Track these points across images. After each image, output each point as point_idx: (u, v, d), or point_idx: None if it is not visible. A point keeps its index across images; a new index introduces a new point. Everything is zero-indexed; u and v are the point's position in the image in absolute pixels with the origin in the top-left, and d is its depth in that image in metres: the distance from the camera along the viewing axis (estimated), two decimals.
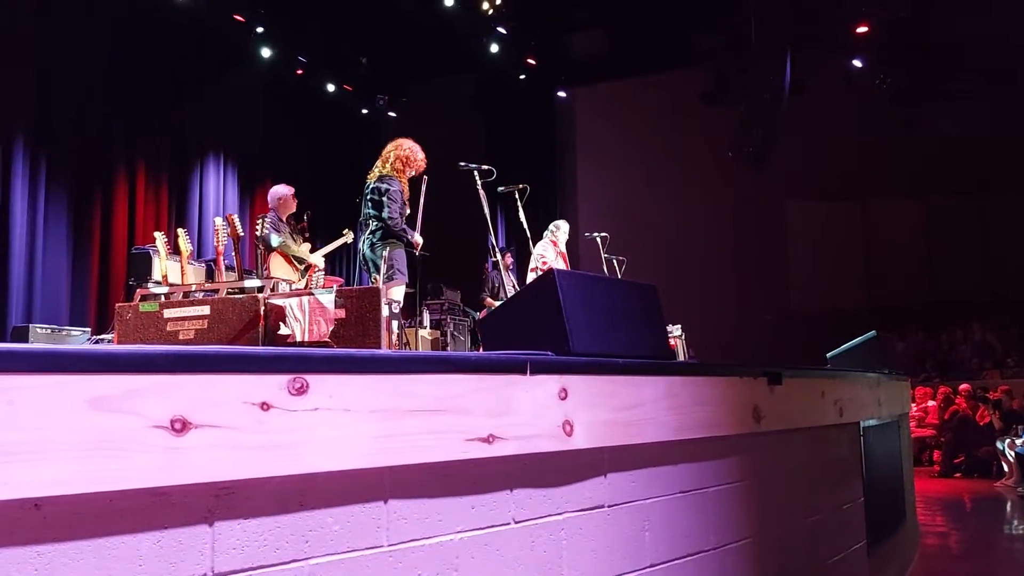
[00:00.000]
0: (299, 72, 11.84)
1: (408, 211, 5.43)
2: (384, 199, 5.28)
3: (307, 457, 1.38)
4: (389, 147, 5.50)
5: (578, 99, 14.13)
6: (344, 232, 6.93)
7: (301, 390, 1.38)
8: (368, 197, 5.39)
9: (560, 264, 7.56)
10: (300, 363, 1.39)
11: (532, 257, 7.20)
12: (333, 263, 12.42)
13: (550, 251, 7.59)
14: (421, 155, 5.47)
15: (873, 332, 4.70)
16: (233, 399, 1.30)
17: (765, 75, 11.47)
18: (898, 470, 4.57)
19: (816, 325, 11.37)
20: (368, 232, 5.36)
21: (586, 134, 14.19)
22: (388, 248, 5.21)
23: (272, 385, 1.34)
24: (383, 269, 5.14)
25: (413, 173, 5.46)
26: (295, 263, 6.09)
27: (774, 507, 2.67)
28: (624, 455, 2.03)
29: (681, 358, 8.60)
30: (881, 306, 12.98)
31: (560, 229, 7.80)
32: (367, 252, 5.34)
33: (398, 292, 5.09)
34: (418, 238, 5.32)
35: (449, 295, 9.61)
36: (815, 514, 3.00)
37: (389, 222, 5.22)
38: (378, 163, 5.49)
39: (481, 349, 2.64)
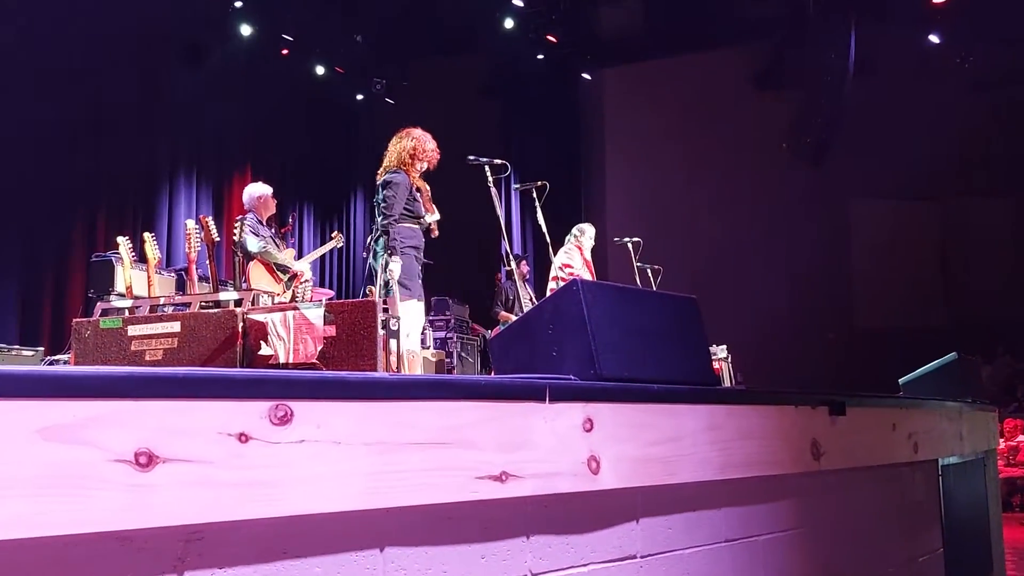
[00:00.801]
0: (284, 52, 11.94)
1: (426, 211, 5.47)
2: (382, 194, 5.33)
3: (291, 497, 1.38)
4: (393, 139, 5.57)
5: (607, 82, 14.14)
6: (333, 236, 6.98)
7: (284, 419, 1.39)
8: (374, 202, 5.46)
9: (586, 274, 7.56)
10: (283, 388, 1.39)
11: (553, 266, 7.21)
12: (323, 272, 12.49)
13: (575, 258, 7.60)
14: (431, 144, 5.52)
15: (954, 354, 4.66)
16: (206, 429, 1.31)
17: (826, 54, 11.45)
18: (983, 516, 4.52)
19: (886, 345, 11.28)
20: (372, 240, 5.42)
21: (616, 123, 14.19)
22: (390, 256, 5.25)
23: (251, 413, 1.35)
24: (379, 280, 5.17)
25: (426, 166, 5.51)
26: (277, 272, 6.13)
27: (836, 559, 2.65)
28: (659, 497, 2.03)
29: (727, 384, 8.57)
30: (964, 323, 12.84)
31: (585, 234, 7.82)
32: (371, 262, 5.41)
33: (409, 309, 5.11)
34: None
35: (456, 310, 9.65)
36: (885, 567, 2.97)
37: (380, 217, 5.26)
38: (384, 160, 5.56)
39: (492, 372, 2.64)
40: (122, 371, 1.26)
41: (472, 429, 1.65)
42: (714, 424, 2.18)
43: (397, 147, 5.50)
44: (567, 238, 7.89)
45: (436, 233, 5.59)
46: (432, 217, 5.56)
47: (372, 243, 5.42)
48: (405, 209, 5.34)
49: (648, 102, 13.69)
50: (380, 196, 5.36)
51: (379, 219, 5.31)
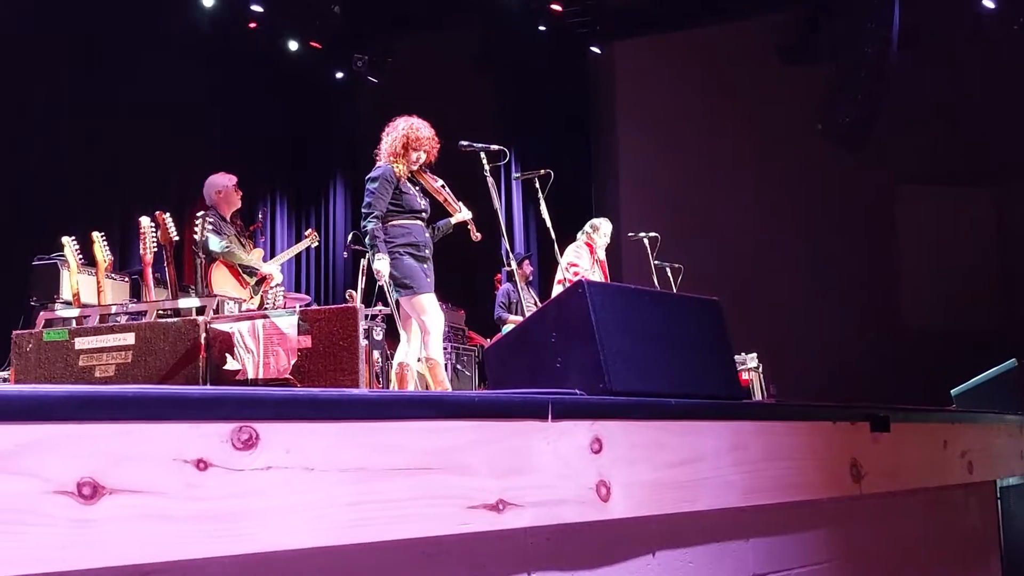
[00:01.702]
0: (252, 26, 11.94)
1: (424, 205, 5.49)
2: (365, 191, 5.39)
3: (257, 532, 1.38)
4: (386, 129, 5.62)
5: (618, 57, 14.14)
6: (307, 233, 6.99)
7: (249, 443, 1.39)
8: None
9: (597, 275, 7.57)
10: (247, 408, 1.39)
11: (559, 266, 7.21)
12: (297, 275, 12.50)
13: (584, 257, 7.60)
14: (427, 131, 5.57)
15: (1013, 361, 4.65)
16: (160, 456, 1.30)
17: (865, 22, 11.45)
18: None
19: (936, 351, 11.27)
20: (362, 239, 5.49)
21: (629, 104, 14.18)
22: (387, 258, 5.29)
23: (211, 437, 1.35)
24: (361, 284, 5.21)
25: (424, 157, 5.54)
26: (243, 276, 6.14)
27: None
28: (678, 527, 2.02)
29: (757, 397, 8.58)
30: None
31: (599, 230, 7.82)
32: (371, 266, 5.49)
33: (423, 306, 5.23)
34: (378, 265, 5.24)
35: (450, 316, 9.62)
36: None
37: (364, 218, 5.32)
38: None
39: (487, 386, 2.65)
40: (62, 391, 1.26)
41: (464, 452, 1.65)
42: (740, 443, 2.17)
43: (388, 137, 5.55)
44: (578, 235, 7.89)
45: (478, 235, 5.60)
46: (460, 216, 5.58)
47: (367, 248, 5.49)
48: (392, 205, 5.37)
49: (665, 79, 13.67)
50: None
51: (363, 219, 5.37)
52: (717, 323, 2.59)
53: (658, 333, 2.34)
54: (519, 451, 1.74)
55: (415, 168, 5.55)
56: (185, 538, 1.31)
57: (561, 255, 7.04)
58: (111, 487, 1.25)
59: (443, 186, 5.66)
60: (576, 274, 7.23)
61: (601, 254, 7.81)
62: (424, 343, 5.37)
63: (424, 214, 5.53)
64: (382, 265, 5.24)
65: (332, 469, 1.47)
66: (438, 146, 5.61)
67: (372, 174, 5.46)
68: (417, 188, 5.56)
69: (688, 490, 2.03)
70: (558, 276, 7.40)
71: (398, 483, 1.55)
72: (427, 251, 5.46)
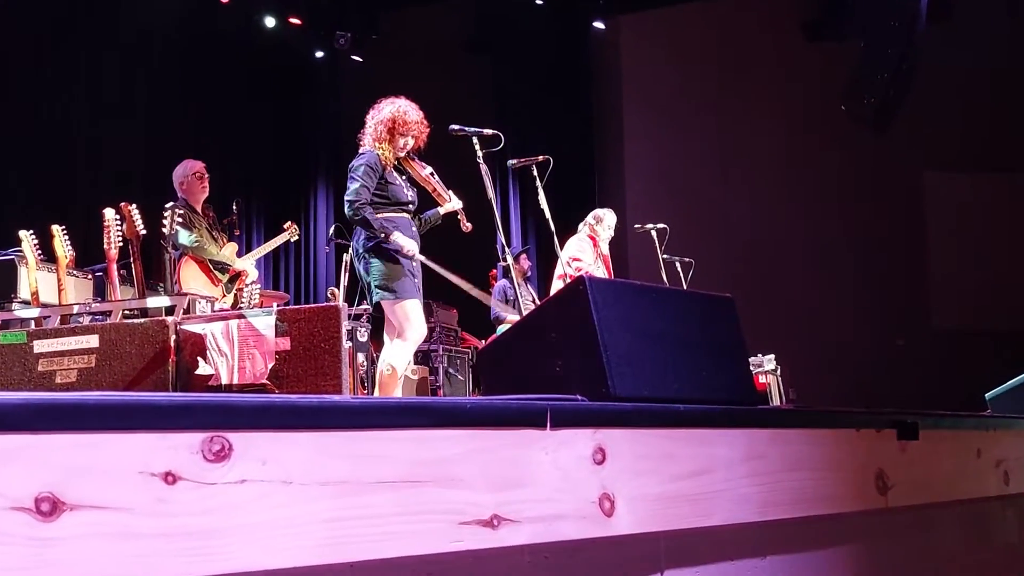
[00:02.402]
0: (224, 2, 11.93)
1: (412, 197, 5.50)
2: (348, 178, 5.38)
3: (231, 551, 1.38)
4: (370, 111, 5.62)
5: (624, 32, 14.13)
6: (286, 226, 6.99)
7: (221, 455, 1.39)
8: None
9: (600, 270, 7.58)
10: (219, 416, 1.40)
11: (560, 260, 7.21)
12: (275, 272, 12.49)
13: (587, 251, 7.61)
14: (415, 114, 5.56)
15: None
16: (124, 469, 1.31)
17: None
18: None
19: (970, 352, 11.29)
20: (346, 234, 5.48)
21: (635, 83, 14.16)
22: (371, 259, 5.28)
23: (180, 448, 1.35)
24: (344, 281, 5.21)
25: (411, 143, 5.54)
26: (215, 272, 6.14)
27: None
28: (689, 543, 2.03)
29: (776, 402, 8.58)
30: None
31: (603, 222, 7.82)
32: (354, 263, 5.51)
33: (401, 313, 5.20)
34: (402, 241, 5.34)
35: (441, 316, 9.65)
36: None
37: (347, 209, 5.29)
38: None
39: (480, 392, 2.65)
40: (18, 398, 1.26)
41: (456, 463, 1.66)
42: (756, 453, 2.18)
43: (372, 121, 5.53)
44: (580, 227, 7.89)
45: (468, 226, 5.61)
46: (450, 206, 5.58)
47: (354, 242, 5.47)
48: (377, 196, 5.35)
49: (675, 57, 13.63)
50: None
51: (346, 210, 5.34)
52: (731, 322, 2.60)
53: (666, 333, 2.34)
54: (515, 462, 1.74)
55: (402, 155, 5.54)
56: (152, 558, 1.31)
57: (561, 249, 7.04)
58: (72, 503, 1.25)
59: (432, 174, 5.65)
60: (579, 269, 7.23)
61: (605, 248, 7.81)
62: (392, 345, 5.29)
63: (411, 206, 5.52)
64: (406, 241, 5.29)
65: (312, 482, 1.47)
66: (427, 131, 5.60)
67: (355, 161, 5.44)
68: (404, 178, 5.55)
69: (699, 504, 2.03)
70: (558, 271, 7.40)
71: (384, 497, 1.55)
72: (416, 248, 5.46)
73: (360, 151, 5.52)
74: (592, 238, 7.73)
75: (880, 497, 2.52)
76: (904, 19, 11.41)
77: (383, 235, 5.26)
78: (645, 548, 1.95)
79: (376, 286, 5.27)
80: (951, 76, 12.25)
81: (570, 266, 7.29)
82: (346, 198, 5.35)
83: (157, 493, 1.32)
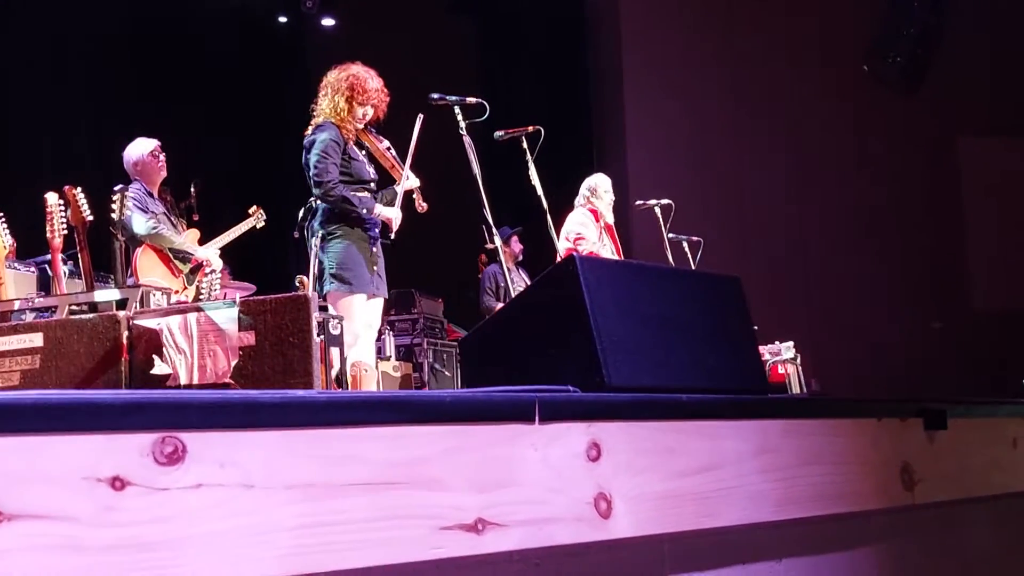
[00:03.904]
0: None
1: (374, 174, 5.51)
2: (307, 159, 5.34)
3: (185, 563, 1.38)
4: (324, 80, 5.57)
5: None
6: (251, 211, 6.97)
7: (174, 457, 1.39)
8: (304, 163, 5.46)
9: (607, 245, 7.49)
10: (171, 415, 1.40)
11: (560, 237, 7.12)
12: (240, 260, 12.45)
13: (590, 226, 7.50)
14: (375, 82, 5.52)
15: None
16: (68, 474, 1.31)
17: None
18: None
19: (1009, 335, 11.31)
20: (308, 215, 5.44)
21: (637, 45, 14.08)
22: (331, 240, 5.27)
23: (128, 451, 1.36)
24: (312, 270, 5.20)
25: (369, 113, 5.53)
26: (175, 262, 6.12)
27: None
28: (696, 546, 2.04)
29: (796, 392, 8.58)
30: None
31: (597, 191, 7.68)
32: (309, 243, 5.50)
33: (350, 308, 5.16)
34: (388, 213, 5.34)
35: (426, 306, 9.63)
36: None
37: (316, 190, 5.28)
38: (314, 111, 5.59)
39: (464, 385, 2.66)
40: None
41: (435, 463, 1.66)
42: (768, 446, 2.19)
43: (327, 90, 5.49)
44: (576, 200, 7.82)
45: (423, 206, 5.60)
46: (406, 184, 5.56)
47: (310, 220, 5.43)
48: (341, 173, 5.33)
49: (680, 14, 13.59)
50: (306, 161, 5.35)
51: (314, 190, 5.31)
52: (738, 304, 2.60)
53: (666, 317, 2.35)
54: (501, 460, 1.74)
55: (360, 127, 5.51)
56: (99, 571, 1.31)
57: (555, 229, 6.99)
58: (11, 512, 1.25)
59: (389, 148, 5.62)
60: (582, 248, 7.12)
61: (609, 216, 7.63)
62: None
63: (373, 184, 5.51)
64: (392, 211, 5.35)
65: (276, 486, 1.48)
66: (387, 99, 5.56)
67: (315, 134, 5.39)
68: (364, 152, 5.53)
69: (706, 503, 2.04)
70: (561, 250, 7.29)
71: (356, 501, 1.55)
72: (376, 231, 5.44)
73: (317, 125, 5.46)
74: (593, 211, 7.61)
75: (906, 493, 2.53)
76: None
77: (364, 211, 5.26)
78: (646, 552, 1.96)
79: (331, 274, 5.24)
80: (984, 32, 12.21)
81: (579, 245, 7.17)
82: (313, 177, 5.31)
83: (104, 500, 1.33)
